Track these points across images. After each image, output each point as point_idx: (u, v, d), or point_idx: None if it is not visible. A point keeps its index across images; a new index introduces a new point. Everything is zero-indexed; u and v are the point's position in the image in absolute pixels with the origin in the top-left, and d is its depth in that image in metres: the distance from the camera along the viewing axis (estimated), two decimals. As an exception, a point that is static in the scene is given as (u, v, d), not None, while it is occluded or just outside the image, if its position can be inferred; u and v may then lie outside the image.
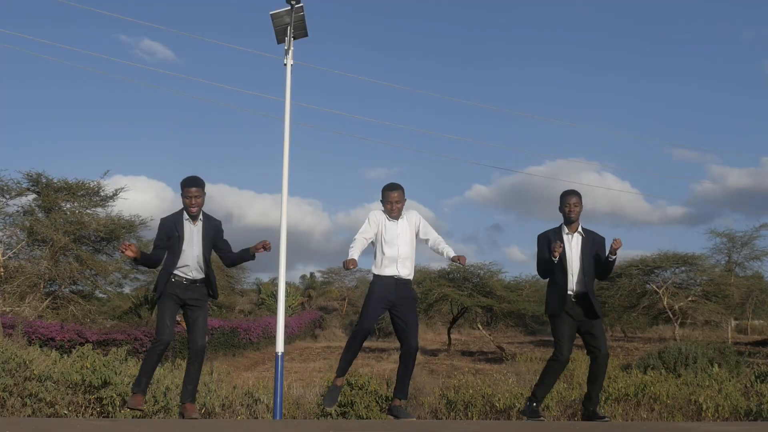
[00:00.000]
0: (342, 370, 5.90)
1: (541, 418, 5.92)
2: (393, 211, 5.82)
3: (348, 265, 5.56)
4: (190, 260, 5.68)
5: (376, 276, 5.82)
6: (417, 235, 5.93)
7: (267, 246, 5.65)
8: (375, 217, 5.88)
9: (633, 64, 73.49)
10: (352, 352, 5.84)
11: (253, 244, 5.71)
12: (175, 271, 5.66)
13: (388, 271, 5.74)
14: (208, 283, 5.80)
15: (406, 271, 5.77)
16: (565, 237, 5.85)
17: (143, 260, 5.81)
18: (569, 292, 5.74)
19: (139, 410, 6.01)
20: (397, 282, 5.74)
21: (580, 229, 5.87)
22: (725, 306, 26.68)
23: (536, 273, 6.24)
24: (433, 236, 5.94)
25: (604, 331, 5.93)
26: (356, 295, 44.26)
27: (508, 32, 76.51)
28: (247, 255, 5.74)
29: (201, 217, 5.77)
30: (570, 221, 5.86)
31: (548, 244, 5.82)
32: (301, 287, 50.43)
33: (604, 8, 72.93)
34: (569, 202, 5.85)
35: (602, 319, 5.86)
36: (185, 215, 5.74)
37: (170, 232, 5.67)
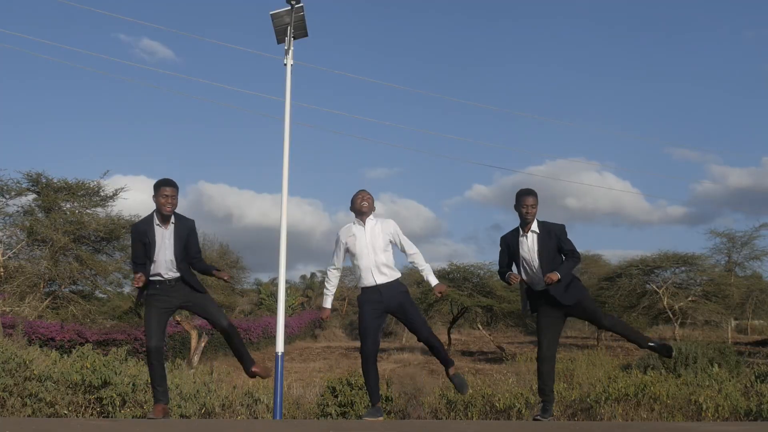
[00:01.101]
0: (373, 396, 5.79)
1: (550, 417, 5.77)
2: (363, 207, 5.75)
3: (323, 317, 6.27)
4: (162, 266, 5.50)
5: (361, 289, 5.82)
6: (395, 243, 5.84)
7: (227, 278, 5.80)
8: (340, 236, 5.86)
9: (633, 64, 73.62)
10: (370, 377, 5.71)
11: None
12: (150, 278, 5.50)
13: (367, 281, 5.71)
14: (185, 282, 5.56)
15: (384, 278, 5.68)
16: (520, 239, 5.77)
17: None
18: (536, 290, 5.76)
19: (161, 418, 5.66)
20: (380, 289, 5.67)
21: (534, 227, 5.74)
22: (725, 306, 26.67)
23: None
24: (412, 252, 5.83)
25: (592, 302, 5.93)
26: (356, 294, 44.09)
27: (508, 32, 76.62)
28: (210, 272, 5.66)
29: (173, 219, 5.57)
30: (525, 222, 5.75)
31: (507, 247, 5.86)
32: (300, 287, 50.41)
33: (604, 8, 73.00)
34: (526, 203, 5.71)
35: (584, 295, 5.75)
36: (156, 219, 5.55)
37: (143, 238, 5.50)
